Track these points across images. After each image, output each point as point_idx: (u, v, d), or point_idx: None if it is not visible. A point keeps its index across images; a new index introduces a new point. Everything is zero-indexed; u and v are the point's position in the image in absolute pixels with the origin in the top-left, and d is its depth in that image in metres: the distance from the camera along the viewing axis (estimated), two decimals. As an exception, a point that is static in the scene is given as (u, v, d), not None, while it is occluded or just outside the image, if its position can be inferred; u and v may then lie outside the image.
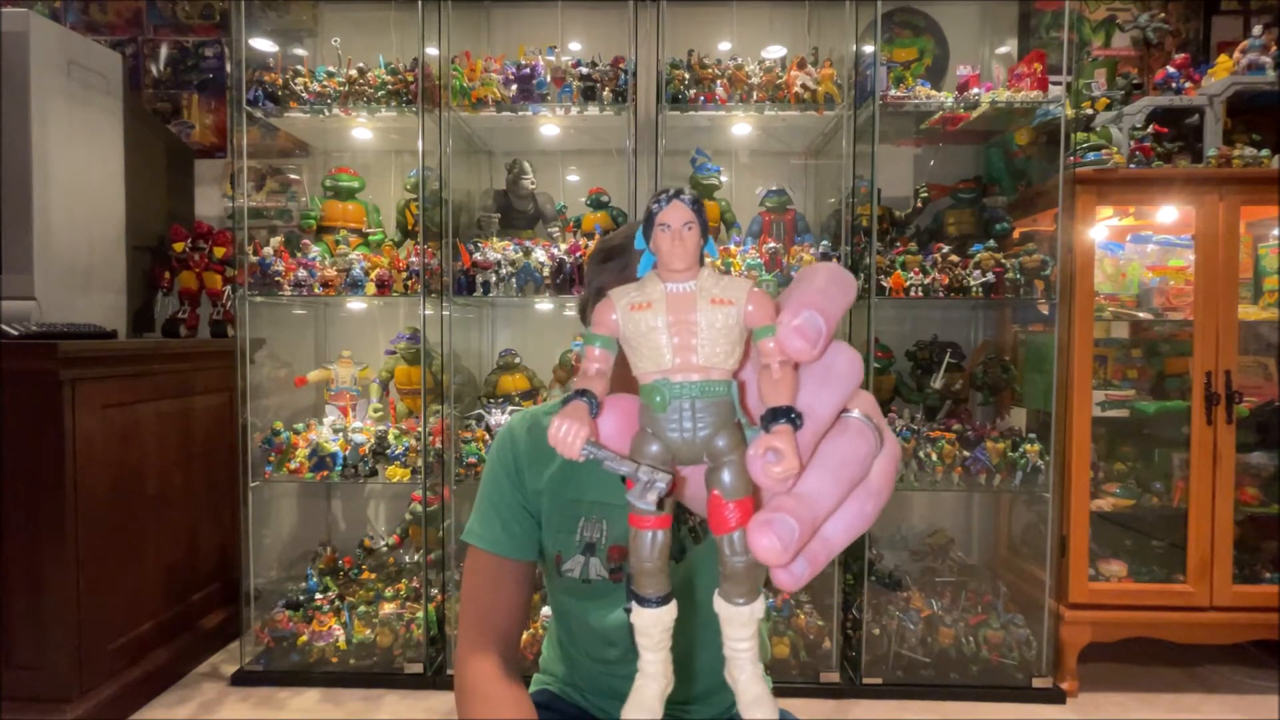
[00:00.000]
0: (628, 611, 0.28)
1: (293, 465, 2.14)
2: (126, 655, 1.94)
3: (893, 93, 2.14)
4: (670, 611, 0.29)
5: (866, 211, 2.11)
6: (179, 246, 2.33)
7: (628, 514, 0.28)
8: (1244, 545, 2.16)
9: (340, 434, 2.17)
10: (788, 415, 0.26)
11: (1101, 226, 2.24)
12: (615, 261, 0.88)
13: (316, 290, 2.14)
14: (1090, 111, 2.27)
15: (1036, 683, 2.06)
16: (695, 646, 0.86)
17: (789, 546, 0.25)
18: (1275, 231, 2.29)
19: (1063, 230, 2.07)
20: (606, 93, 2.13)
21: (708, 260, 0.29)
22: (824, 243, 2.17)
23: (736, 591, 0.28)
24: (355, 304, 2.50)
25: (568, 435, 0.27)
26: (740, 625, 0.28)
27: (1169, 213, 2.26)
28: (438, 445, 2.16)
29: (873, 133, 2.07)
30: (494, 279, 2.11)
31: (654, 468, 0.27)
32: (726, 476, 0.27)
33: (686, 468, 0.29)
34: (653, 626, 0.29)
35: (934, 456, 2.08)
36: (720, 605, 0.28)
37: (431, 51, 2.13)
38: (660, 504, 0.28)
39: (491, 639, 0.90)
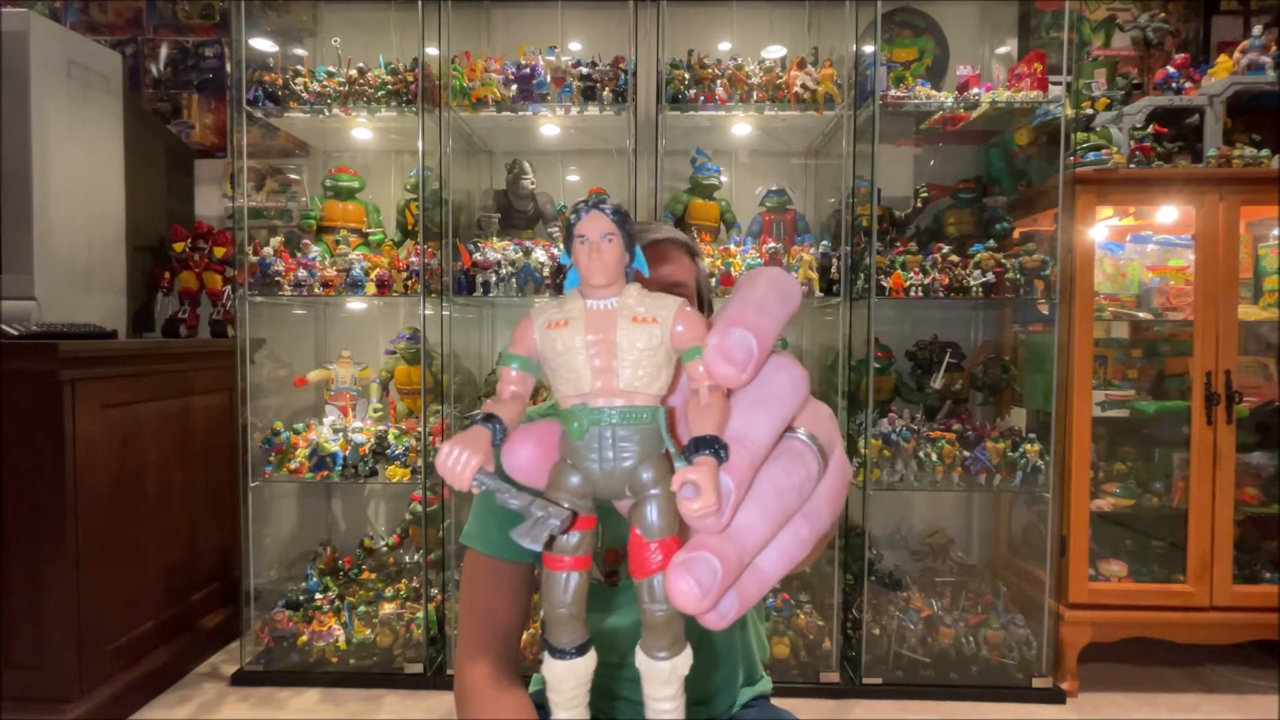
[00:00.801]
0: (539, 661, 0.25)
1: (293, 465, 2.14)
2: (126, 655, 1.94)
3: (893, 93, 2.14)
4: (586, 664, 0.27)
5: (866, 211, 2.11)
6: (179, 246, 2.33)
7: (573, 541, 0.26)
8: (1244, 545, 2.16)
9: (340, 434, 2.17)
10: (712, 446, 0.23)
11: (1101, 226, 2.24)
12: None
13: (316, 290, 2.13)
14: (1090, 111, 2.27)
15: (1036, 683, 2.06)
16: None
17: (709, 591, 0.22)
18: (1275, 231, 2.29)
19: (1063, 230, 2.07)
20: (606, 93, 2.13)
21: (638, 278, 0.27)
22: (824, 243, 2.17)
23: (658, 644, 0.25)
24: (355, 304, 2.50)
25: (456, 464, 0.24)
26: (662, 683, 0.25)
27: (1169, 213, 2.26)
28: (437, 445, 2.15)
29: (873, 133, 2.07)
30: (494, 279, 2.11)
31: (550, 502, 0.25)
32: (649, 513, 0.24)
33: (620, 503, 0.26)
34: (564, 680, 0.27)
35: (934, 456, 2.08)
36: (641, 660, 0.26)
37: (431, 51, 2.13)
38: (550, 543, 0.25)
39: (491, 642, 0.90)
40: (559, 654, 0.26)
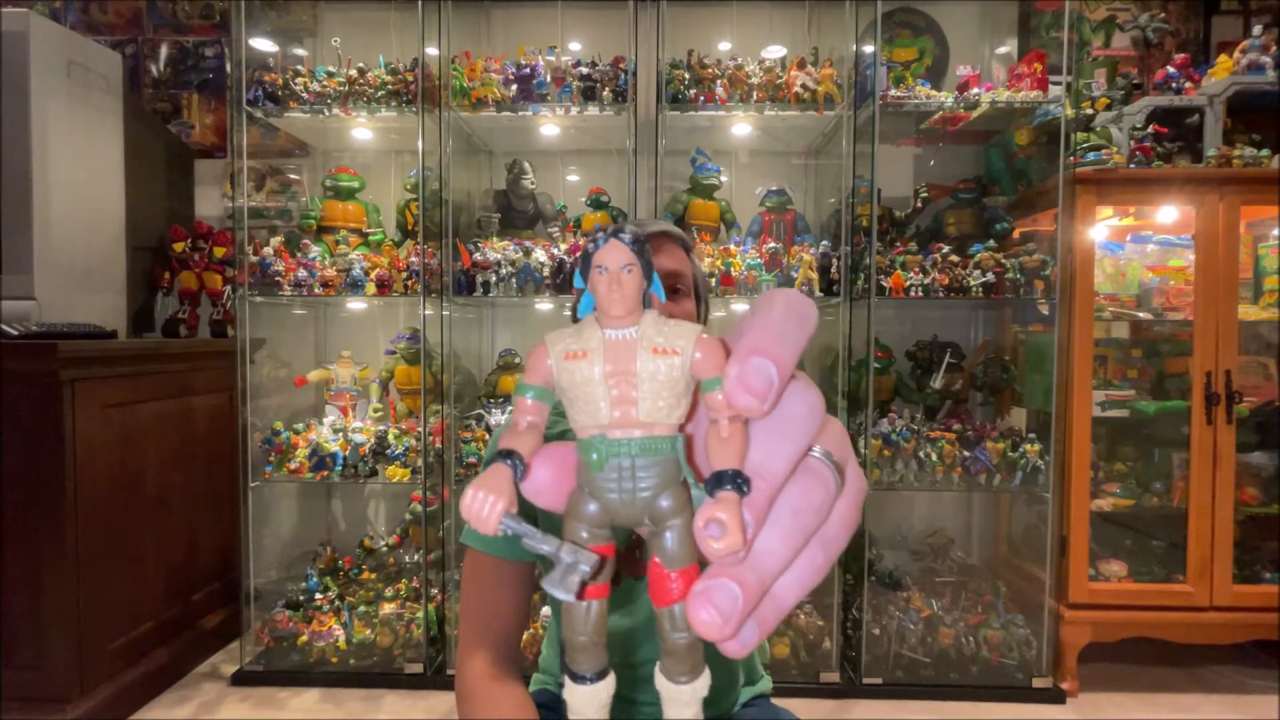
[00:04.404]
0: (560, 686, 0.25)
1: (293, 465, 2.14)
2: (126, 655, 1.94)
3: (893, 93, 2.14)
4: (607, 688, 0.27)
5: (866, 211, 2.11)
6: (179, 246, 2.33)
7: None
8: (1244, 545, 2.16)
9: (340, 434, 2.17)
10: (735, 481, 0.23)
11: (1101, 226, 2.24)
12: None
13: (316, 290, 2.13)
14: (1090, 111, 2.27)
15: (1036, 683, 2.06)
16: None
17: (730, 618, 0.22)
18: (1275, 231, 2.29)
19: (1063, 230, 2.07)
20: (606, 93, 2.13)
21: (654, 303, 0.27)
22: (824, 243, 2.17)
23: (679, 669, 0.25)
24: (355, 304, 2.50)
25: (482, 508, 0.24)
26: (683, 705, 0.26)
27: (1169, 213, 2.26)
28: (438, 445, 2.15)
29: (873, 133, 2.07)
30: (494, 279, 2.11)
31: (578, 547, 0.25)
32: (669, 542, 0.25)
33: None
34: (586, 705, 0.27)
35: (934, 456, 2.08)
36: (661, 683, 0.26)
37: (431, 51, 2.13)
38: (580, 592, 0.25)
39: (491, 641, 0.90)
40: (580, 679, 0.27)
